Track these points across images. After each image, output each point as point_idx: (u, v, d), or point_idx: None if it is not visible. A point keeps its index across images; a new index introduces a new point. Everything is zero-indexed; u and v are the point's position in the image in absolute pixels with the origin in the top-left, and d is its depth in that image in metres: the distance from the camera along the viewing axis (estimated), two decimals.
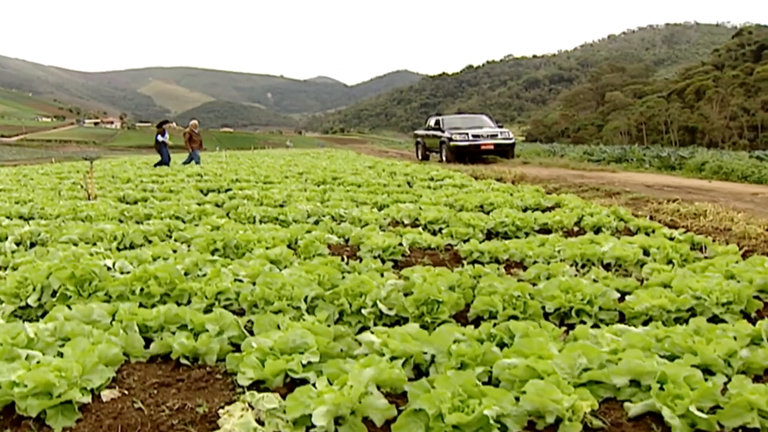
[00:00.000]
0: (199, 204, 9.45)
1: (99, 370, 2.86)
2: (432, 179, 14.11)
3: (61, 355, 3.03)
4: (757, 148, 66.07)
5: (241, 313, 4.16)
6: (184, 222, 7.72)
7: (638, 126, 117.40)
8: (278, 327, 3.54)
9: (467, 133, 23.00)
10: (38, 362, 2.83)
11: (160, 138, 22.22)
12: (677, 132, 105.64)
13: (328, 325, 3.61)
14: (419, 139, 27.95)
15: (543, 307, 4.19)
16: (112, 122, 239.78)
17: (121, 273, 4.71)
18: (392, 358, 3.06)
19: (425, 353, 3.22)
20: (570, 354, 2.96)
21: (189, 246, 6.15)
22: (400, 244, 6.01)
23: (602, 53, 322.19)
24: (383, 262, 5.76)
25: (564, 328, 3.60)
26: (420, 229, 7.25)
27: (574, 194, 10.74)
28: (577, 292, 4.26)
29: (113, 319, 3.58)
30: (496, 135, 23.28)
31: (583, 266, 5.79)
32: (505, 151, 23.38)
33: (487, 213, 8.78)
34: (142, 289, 4.20)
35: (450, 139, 23.03)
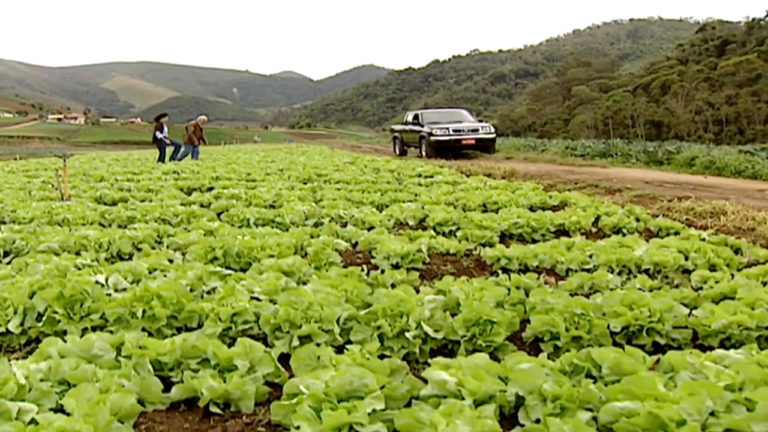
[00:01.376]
0: (183, 204, 8.78)
1: (114, 429, 2.26)
2: (420, 176, 13.57)
3: (62, 408, 2.41)
4: (722, 142, 66.71)
5: (262, 338, 3.57)
6: (171, 225, 7.06)
7: (605, 120, 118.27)
8: (318, 358, 2.96)
9: (448, 128, 22.46)
10: (35, 422, 2.21)
11: (158, 134, 21.12)
12: (643, 126, 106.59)
13: (380, 357, 3.03)
14: (397, 134, 27.34)
15: (607, 326, 3.67)
16: (75, 118, 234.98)
17: (116, 290, 4.08)
18: (475, 404, 2.50)
19: (504, 391, 2.67)
20: (695, 396, 2.42)
21: (184, 254, 5.52)
22: (419, 250, 5.44)
23: (568, 48, 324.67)
24: (402, 269, 5.21)
25: (657, 357, 3.06)
26: (431, 232, 6.69)
27: (574, 192, 10.26)
28: (642, 308, 3.75)
29: (118, 353, 2.95)
30: (477, 130, 22.77)
31: (619, 273, 5.30)
32: (486, 146, 22.89)
33: (494, 212, 8.27)
34: (144, 312, 3.57)
35: (430, 134, 22.47)
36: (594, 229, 7.24)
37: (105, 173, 13.87)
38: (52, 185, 11.02)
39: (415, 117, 25.32)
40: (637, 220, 7.37)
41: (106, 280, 4.10)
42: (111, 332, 3.54)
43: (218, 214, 7.90)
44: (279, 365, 2.93)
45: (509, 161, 19.17)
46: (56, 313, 3.59)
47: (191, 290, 4.08)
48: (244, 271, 5.16)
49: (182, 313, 3.66)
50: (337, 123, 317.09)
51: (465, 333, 3.52)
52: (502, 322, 3.55)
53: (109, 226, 7.17)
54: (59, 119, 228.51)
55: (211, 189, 11.01)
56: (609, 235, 7.03)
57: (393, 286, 4.58)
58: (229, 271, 4.73)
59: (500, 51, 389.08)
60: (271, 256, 5.20)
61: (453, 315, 3.72)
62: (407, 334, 3.46)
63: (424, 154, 23.17)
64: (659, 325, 3.65)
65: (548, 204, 8.90)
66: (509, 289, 4.21)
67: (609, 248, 5.63)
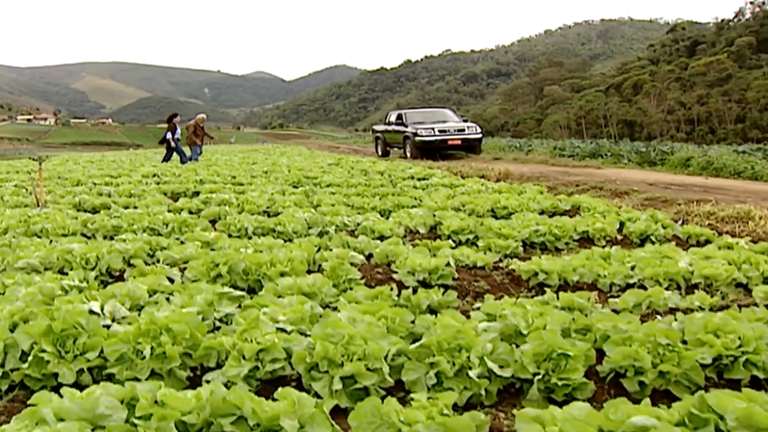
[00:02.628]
0: (171, 211, 8.14)
1: None
2: (413, 178, 13.01)
3: None
4: (694, 141, 67.11)
5: (296, 379, 2.99)
6: (163, 236, 6.42)
7: (577, 120, 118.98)
8: (379, 413, 2.38)
9: (433, 128, 21.92)
10: None
11: (169, 135, 20.12)
12: (616, 126, 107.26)
13: (455, 406, 2.47)
14: (379, 135, 26.72)
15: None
16: (45, 118, 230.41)
17: (114, 320, 3.46)
18: None
19: None
20: None
21: (183, 271, 4.90)
22: (448, 264, 4.87)
23: (539, 48, 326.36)
24: (428, 286, 4.66)
25: None
26: (450, 242, 6.13)
27: (584, 195, 9.79)
28: (729, 335, 3.23)
29: (131, 412, 2.34)
30: (464, 130, 22.26)
31: (667, 288, 4.79)
32: (472, 147, 22.38)
33: (505, 218, 7.75)
34: (152, 349, 2.97)
35: (415, 134, 21.91)
36: (619, 237, 6.74)
37: (81, 176, 13.09)
38: (27, 190, 10.29)
39: (399, 117, 24.72)
40: (663, 227, 6.88)
41: (102, 308, 3.48)
42: (113, 376, 2.94)
43: (211, 223, 7.26)
44: (335, 424, 2.35)
45: (498, 162, 18.67)
46: (45, 351, 2.97)
47: (203, 319, 3.47)
48: (253, 290, 4.58)
49: (198, 350, 3.06)
50: (310, 123, 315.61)
51: (536, 370, 2.97)
52: (578, 356, 3.00)
53: (93, 237, 6.51)
54: (29, 120, 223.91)
55: (197, 194, 10.36)
56: (636, 243, 6.55)
57: (432, 310, 4.02)
58: (239, 292, 4.14)
59: (472, 51, 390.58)
60: (283, 273, 4.62)
61: (513, 345, 3.19)
62: (470, 373, 2.91)
63: (408, 154, 22.60)
64: (756, 356, 3.13)
65: (560, 208, 8.40)
66: (568, 310, 3.67)
67: (651, 260, 5.13)
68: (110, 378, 2.97)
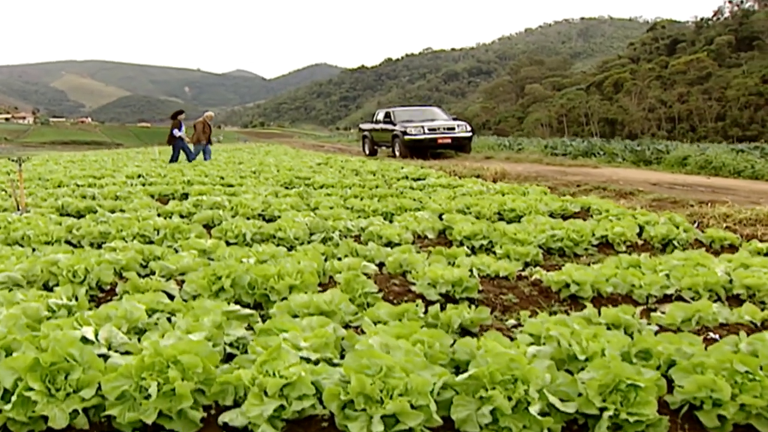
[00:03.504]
0: (161, 215, 7.69)
1: None
2: (407, 178, 12.61)
3: None
4: (675, 138, 67.39)
5: (327, 419, 2.57)
6: (155, 243, 5.98)
7: (559, 118, 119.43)
8: None
9: (422, 127, 21.52)
10: None
11: (177, 133, 19.45)
12: (597, 124, 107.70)
13: None
14: (366, 133, 26.25)
15: None
16: (24, 117, 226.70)
17: (110, 348, 3.02)
18: None
19: None
20: None
21: (181, 285, 4.46)
22: (471, 275, 4.47)
23: (520, 46, 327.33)
24: (451, 299, 4.27)
25: None
26: (465, 248, 5.73)
27: (591, 196, 9.44)
28: None
29: None
30: (454, 128, 21.87)
31: (708, 299, 4.42)
32: (462, 145, 22.01)
33: (513, 221, 7.38)
34: (159, 386, 2.54)
35: (404, 133, 21.49)
36: (640, 242, 6.38)
37: (63, 177, 12.51)
38: (6, 192, 9.76)
39: (387, 115, 24.28)
40: (684, 231, 6.52)
41: (96, 335, 3.03)
42: (113, 418, 2.51)
43: (205, 228, 6.80)
44: None
45: (491, 161, 18.31)
46: (31, 389, 2.53)
47: (213, 345, 3.04)
48: (259, 305, 4.17)
49: (212, 385, 2.63)
50: (291, 122, 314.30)
51: (603, 404, 2.58)
52: (648, 387, 2.62)
53: (79, 244, 6.04)
54: (7, 119, 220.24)
55: (186, 196, 9.88)
56: (658, 249, 6.19)
57: (464, 329, 3.63)
58: (247, 310, 3.72)
59: (453, 49, 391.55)
60: (292, 286, 4.19)
61: (571, 373, 2.80)
62: (530, 409, 2.50)
63: (398, 153, 22.19)
64: None
65: (569, 210, 8.03)
66: (614, 327, 3.28)
67: (686, 268, 4.76)
68: (110, 420, 2.54)
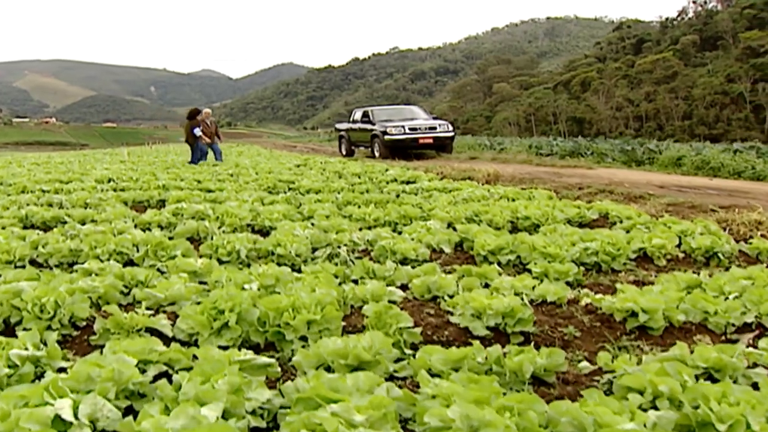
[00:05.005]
0: (138, 226, 6.86)
1: None
2: (396, 181, 11.88)
3: None
4: (642, 136, 67.67)
5: None
6: (136, 263, 5.17)
7: (527, 117, 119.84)
8: None
9: (403, 126, 20.76)
10: None
11: (197, 132, 17.99)
12: (566, 122, 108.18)
13: None
14: (343, 133, 25.41)
15: None
16: None
17: (96, 429, 2.24)
18: None
19: None
20: None
21: (174, 321, 3.67)
22: (523, 303, 3.75)
23: (486, 46, 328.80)
24: (502, 334, 3.57)
25: None
26: (495, 266, 5.01)
27: (607, 201, 8.80)
28: None
29: None
30: (435, 128, 21.16)
31: None
32: (444, 145, 21.31)
33: (529, 231, 6.70)
34: None
35: (384, 133, 20.72)
36: (680, 254, 5.72)
37: (27, 182, 11.51)
38: None
39: (365, 114, 23.46)
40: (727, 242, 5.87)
41: (76, 410, 2.25)
42: None
43: (190, 241, 5.98)
44: None
45: (477, 162, 17.63)
46: None
47: (225, 417, 2.28)
48: (274, 346, 3.42)
49: None
50: (258, 122, 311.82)
51: None
52: None
53: (47, 265, 5.21)
54: None
55: (163, 203, 9.03)
56: (701, 262, 5.54)
57: (537, 379, 2.91)
58: (265, 359, 2.96)
59: (420, 49, 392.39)
60: (311, 322, 3.44)
61: None
62: None
63: (377, 154, 21.41)
64: None
65: (587, 218, 7.36)
66: (714, 371, 2.59)
67: (758, 289, 4.10)
68: None
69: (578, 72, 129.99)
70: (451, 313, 3.87)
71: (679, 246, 5.84)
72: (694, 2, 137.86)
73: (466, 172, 13.36)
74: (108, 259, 5.17)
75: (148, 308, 3.90)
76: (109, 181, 12.13)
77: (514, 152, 22.08)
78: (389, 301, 3.99)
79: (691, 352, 3.10)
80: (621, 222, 7.07)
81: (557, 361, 2.99)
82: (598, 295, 4.18)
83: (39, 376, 2.81)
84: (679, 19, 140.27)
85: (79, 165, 18.82)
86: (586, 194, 10.01)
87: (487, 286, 4.41)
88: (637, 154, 16.73)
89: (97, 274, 4.44)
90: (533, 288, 4.26)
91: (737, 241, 6.01)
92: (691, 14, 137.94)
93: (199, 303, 3.78)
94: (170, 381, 2.62)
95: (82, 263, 4.94)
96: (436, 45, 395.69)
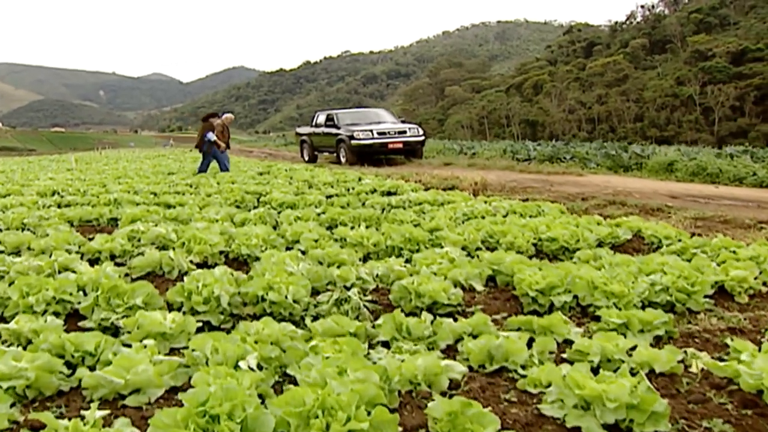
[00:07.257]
0: (84, 256, 5.56)
1: None
2: (376, 191, 10.69)
3: None
4: (595, 139, 67.82)
5: None
6: (81, 316, 3.89)
7: (480, 120, 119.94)
8: None
9: (371, 130, 19.58)
10: None
11: (211, 137, 15.93)
12: (519, 125, 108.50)
13: None
14: (305, 138, 24.04)
15: None
16: None
17: None
18: None
19: None
20: None
21: (145, 426, 2.44)
22: (647, 382, 2.62)
23: (437, 49, 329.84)
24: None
25: None
26: (560, 314, 3.86)
27: (633, 217, 7.78)
28: None
29: None
30: (405, 131, 20.04)
31: None
32: (414, 150, 20.22)
33: (556, 258, 5.62)
34: None
35: (351, 137, 19.52)
36: (763, 288, 4.67)
37: None
38: None
39: (329, 118, 22.12)
40: None
41: None
42: None
43: (152, 278, 4.71)
44: None
45: (453, 168, 16.53)
46: None
47: None
48: None
49: None
50: None
51: None
52: None
53: None
54: None
55: (115, 221, 7.71)
56: None
57: None
58: None
59: (371, 52, 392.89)
60: None
61: None
62: None
63: (343, 160, 20.18)
64: None
65: (620, 239, 6.29)
66: None
67: None
68: None
69: (530, 75, 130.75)
70: (536, 397, 2.72)
71: (756, 277, 4.79)
72: (642, 6, 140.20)
73: (448, 181, 12.25)
74: (44, 311, 3.89)
75: (101, 400, 2.66)
76: (53, 194, 10.65)
77: (489, 157, 21.04)
78: (450, 380, 2.83)
79: None
80: (661, 244, 6.03)
81: None
82: (708, 357, 3.09)
83: None
84: (628, 22, 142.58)
85: (21, 174, 17.06)
86: (594, 206, 8.98)
87: (559, 344, 3.28)
88: (623, 159, 15.85)
89: (29, 342, 3.17)
90: (629, 352, 3.15)
91: None
92: (639, 18, 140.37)
93: (177, 393, 2.56)
94: None
95: (9, 321, 3.64)
96: (388, 48, 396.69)
